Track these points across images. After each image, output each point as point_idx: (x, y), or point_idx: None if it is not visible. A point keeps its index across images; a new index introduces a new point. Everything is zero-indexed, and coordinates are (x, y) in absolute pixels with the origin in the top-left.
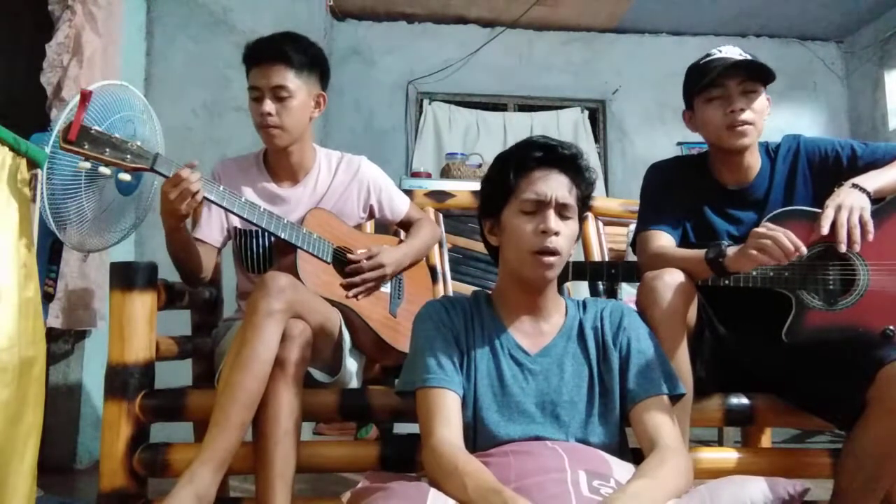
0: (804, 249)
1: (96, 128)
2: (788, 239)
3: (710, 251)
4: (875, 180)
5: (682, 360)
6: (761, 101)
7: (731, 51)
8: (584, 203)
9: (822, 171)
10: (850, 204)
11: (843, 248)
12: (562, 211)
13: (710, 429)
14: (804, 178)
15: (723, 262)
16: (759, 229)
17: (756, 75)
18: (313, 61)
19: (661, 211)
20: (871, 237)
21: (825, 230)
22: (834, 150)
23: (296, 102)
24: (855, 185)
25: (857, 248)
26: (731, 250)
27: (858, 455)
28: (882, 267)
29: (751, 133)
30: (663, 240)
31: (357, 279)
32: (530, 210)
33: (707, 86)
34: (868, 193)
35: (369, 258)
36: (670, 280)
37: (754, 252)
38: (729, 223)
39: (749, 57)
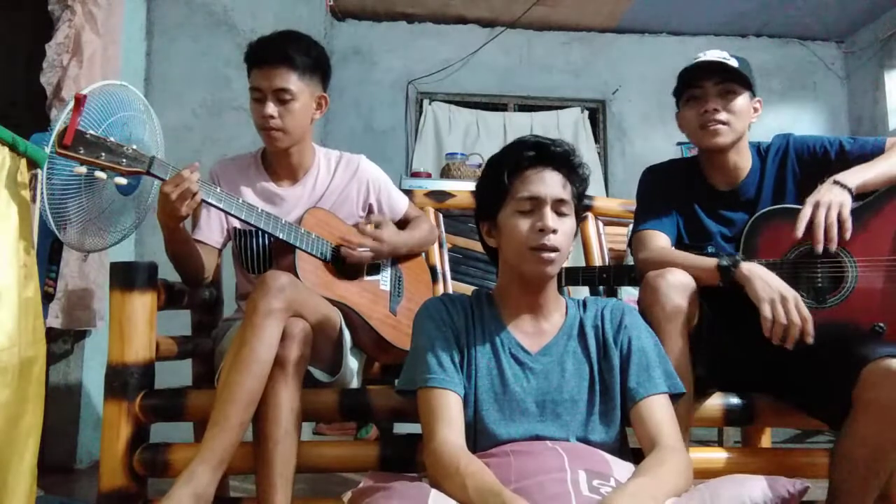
0: (810, 340)
1: (91, 132)
2: (800, 328)
3: (723, 259)
4: (858, 175)
5: (684, 360)
6: (740, 102)
7: (715, 54)
8: (580, 199)
9: (811, 167)
10: (827, 201)
11: (819, 248)
12: (558, 208)
13: (710, 429)
14: (794, 175)
15: (734, 272)
16: (789, 300)
17: (730, 77)
18: (316, 63)
19: (656, 212)
20: (848, 235)
21: (801, 231)
22: (822, 147)
23: (298, 105)
24: (836, 182)
25: (834, 246)
26: (746, 266)
27: (849, 455)
28: (870, 263)
29: (724, 133)
30: (661, 240)
31: (354, 238)
32: (527, 209)
33: (687, 86)
34: (849, 189)
35: (376, 226)
36: (673, 279)
37: (767, 313)
38: (720, 224)
39: (726, 59)
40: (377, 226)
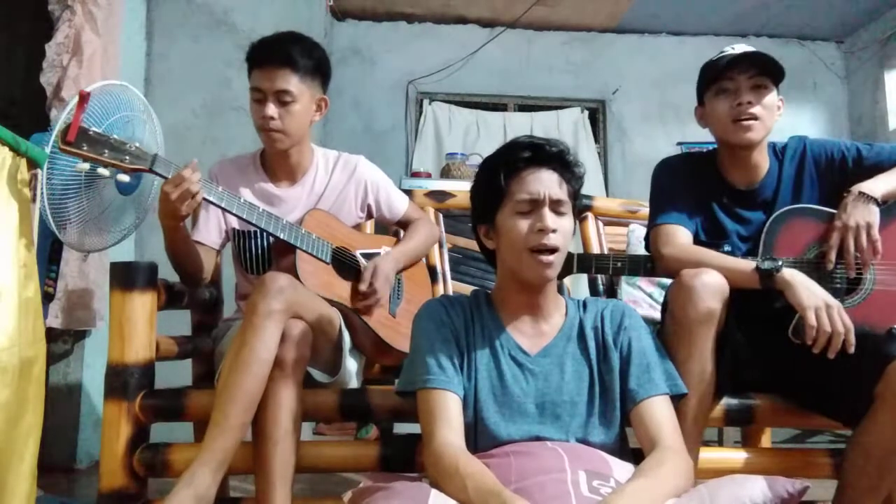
0: (851, 350)
1: (94, 129)
2: (843, 337)
3: (763, 262)
4: (883, 184)
5: (710, 363)
6: (771, 98)
7: (745, 48)
8: (577, 198)
9: (828, 172)
10: (855, 224)
11: (852, 274)
12: (556, 207)
13: (710, 429)
14: (811, 179)
15: (775, 276)
16: (833, 309)
17: (766, 71)
18: (317, 65)
19: (677, 206)
20: (879, 257)
21: (832, 261)
22: (840, 152)
23: (298, 106)
24: (862, 194)
25: (866, 269)
26: (788, 272)
27: (866, 450)
28: (888, 266)
29: (757, 128)
30: (685, 236)
31: (371, 300)
32: (525, 210)
33: (718, 78)
34: (876, 200)
35: (373, 276)
36: (710, 281)
37: (812, 321)
38: (737, 223)
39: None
40: (372, 269)
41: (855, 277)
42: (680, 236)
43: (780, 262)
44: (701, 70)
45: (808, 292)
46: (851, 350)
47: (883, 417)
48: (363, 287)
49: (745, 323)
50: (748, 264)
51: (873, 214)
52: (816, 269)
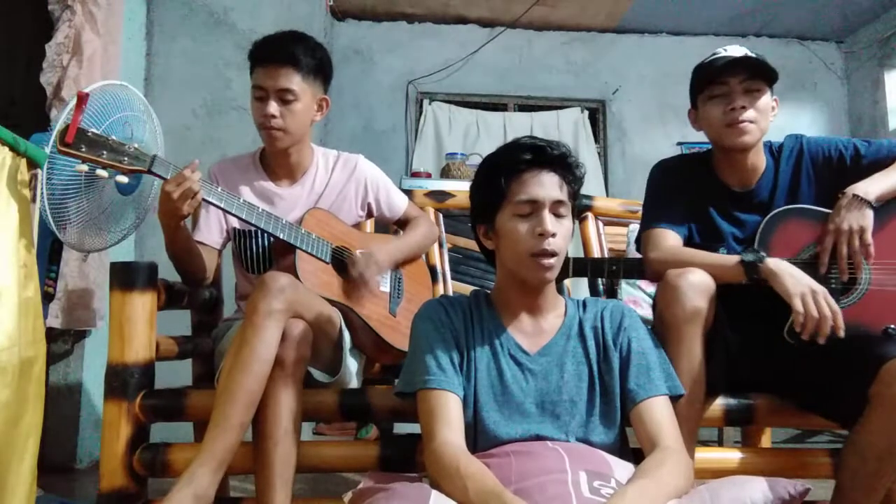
0: (841, 334)
1: (93, 130)
2: (832, 323)
3: (746, 254)
4: (878, 185)
5: (699, 362)
6: (765, 100)
7: (737, 50)
8: (576, 197)
9: (825, 170)
10: (848, 227)
11: (845, 278)
12: (556, 210)
13: (711, 429)
14: (808, 178)
15: (760, 267)
16: (819, 294)
17: (759, 73)
18: (320, 65)
19: (667, 209)
20: (871, 261)
21: (825, 265)
22: (837, 150)
23: (300, 106)
24: (856, 196)
25: (859, 273)
26: (772, 262)
27: (861, 451)
28: (883, 266)
29: (752, 132)
30: (673, 239)
31: (361, 290)
32: (525, 213)
33: (710, 83)
34: (870, 202)
35: (364, 265)
36: (695, 280)
37: (799, 307)
38: (733, 226)
39: (749, 55)
40: (364, 255)
41: (850, 277)
42: (668, 239)
43: (761, 253)
44: (693, 73)
45: (793, 280)
46: (841, 334)
47: (877, 418)
48: (353, 273)
49: (739, 322)
50: (732, 258)
51: (867, 218)
52: (811, 270)
